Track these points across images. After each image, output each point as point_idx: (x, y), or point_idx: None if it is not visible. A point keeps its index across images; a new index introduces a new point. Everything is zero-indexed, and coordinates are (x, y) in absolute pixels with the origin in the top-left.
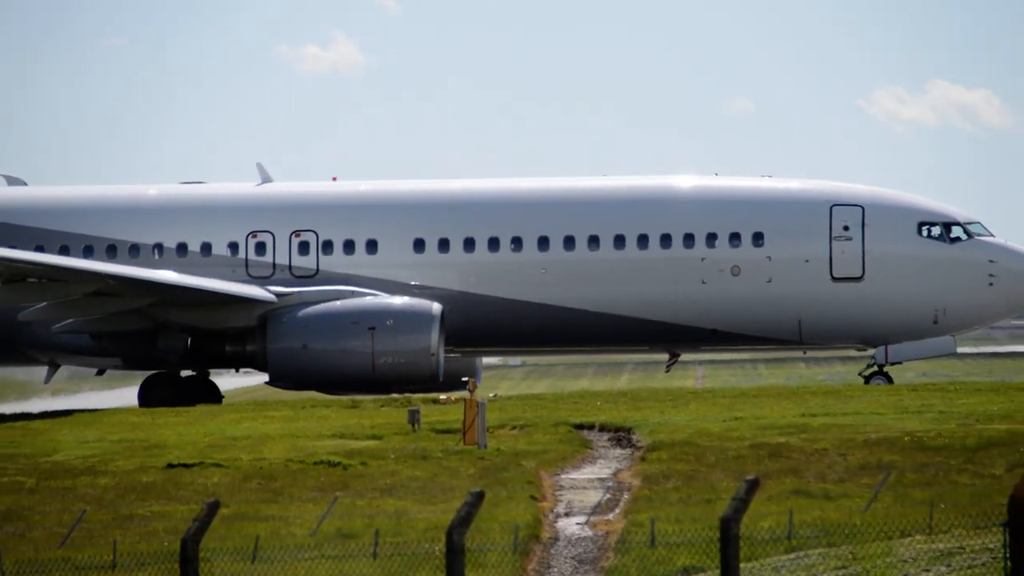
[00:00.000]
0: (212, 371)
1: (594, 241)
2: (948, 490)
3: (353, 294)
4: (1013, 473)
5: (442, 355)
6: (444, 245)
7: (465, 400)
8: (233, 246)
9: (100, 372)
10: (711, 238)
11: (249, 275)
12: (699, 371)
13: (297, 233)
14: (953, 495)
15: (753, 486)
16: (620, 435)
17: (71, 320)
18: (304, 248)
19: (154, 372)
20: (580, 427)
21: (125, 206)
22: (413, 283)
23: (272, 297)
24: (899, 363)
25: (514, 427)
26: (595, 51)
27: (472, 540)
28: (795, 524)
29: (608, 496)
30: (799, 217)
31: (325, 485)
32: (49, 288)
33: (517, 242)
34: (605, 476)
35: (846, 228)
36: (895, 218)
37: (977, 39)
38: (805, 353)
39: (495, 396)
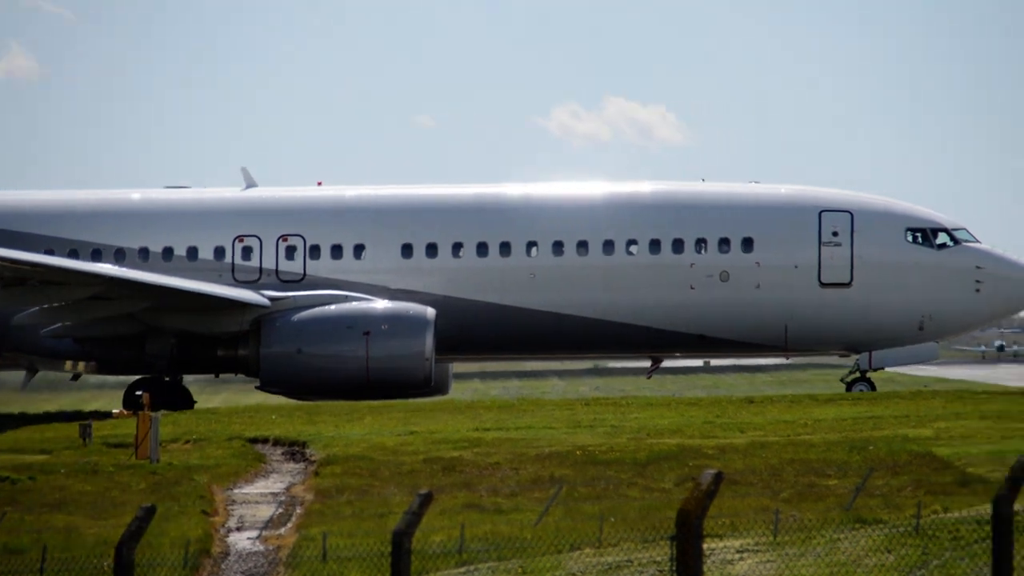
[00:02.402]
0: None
1: (583, 246)
2: (618, 504)
3: (347, 298)
4: (682, 487)
5: (433, 360)
6: (432, 250)
7: (138, 414)
8: (219, 251)
9: (75, 377)
10: (700, 244)
11: (235, 279)
12: None
13: (284, 238)
14: (623, 509)
15: (426, 500)
16: (294, 449)
17: (60, 324)
18: (291, 252)
19: (140, 377)
20: (254, 441)
21: (110, 210)
22: (400, 288)
23: (266, 301)
24: (882, 369)
25: (188, 441)
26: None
27: (142, 555)
28: (467, 538)
29: (280, 510)
30: (788, 223)
31: None
32: (47, 291)
33: (505, 247)
34: (278, 490)
35: (835, 234)
36: (883, 224)
37: (652, 56)
38: (788, 358)
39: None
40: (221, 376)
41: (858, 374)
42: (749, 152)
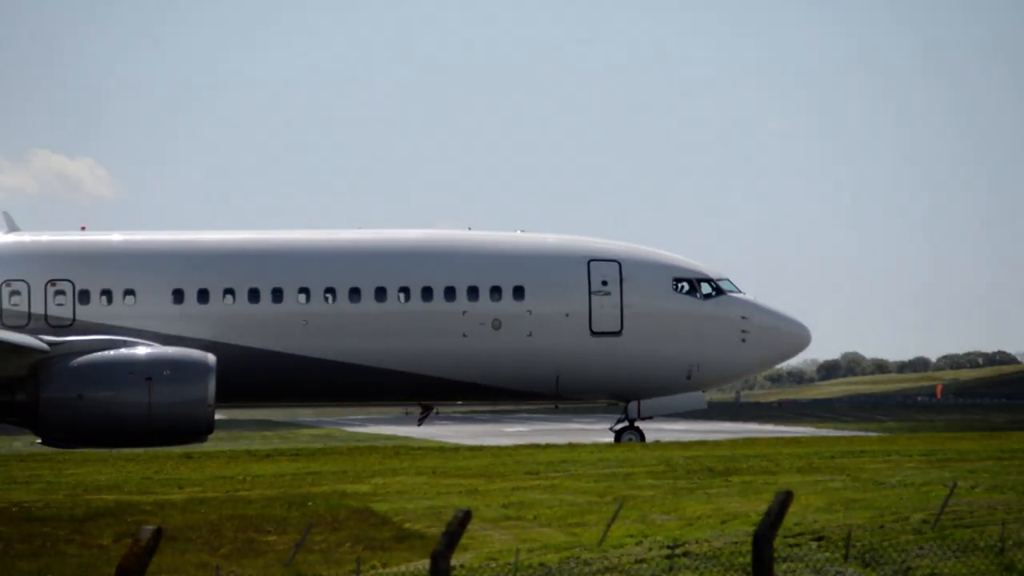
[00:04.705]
0: None
1: (355, 293)
2: (55, 560)
3: (126, 343)
4: (121, 543)
5: (214, 407)
6: (204, 296)
7: None
8: None
9: None
10: (472, 292)
11: (4, 324)
12: None
13: (53, 283)
14: (61, 566)
15: None
16: None
17: None
18: (60, 297)
19: None
20: None
21: None
22: (171, 333)
23: (44, 346)
24: (650, 418)
25: None
26: None
27: None
28: None
29: None
30: (559, 272)
31: None
32: None
33: (278, 293)
34: None
35: (604, 283)
36: (651, 274)
37: (80, 108)
38: (557, 408)
39: None
40: None
41: (627, 423)
42: (180, 204)
